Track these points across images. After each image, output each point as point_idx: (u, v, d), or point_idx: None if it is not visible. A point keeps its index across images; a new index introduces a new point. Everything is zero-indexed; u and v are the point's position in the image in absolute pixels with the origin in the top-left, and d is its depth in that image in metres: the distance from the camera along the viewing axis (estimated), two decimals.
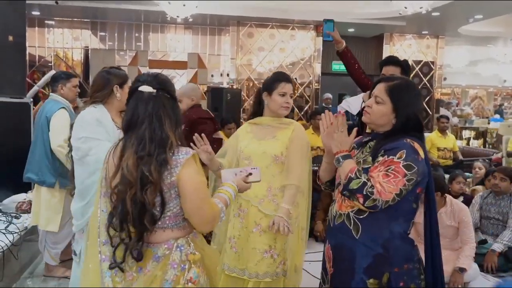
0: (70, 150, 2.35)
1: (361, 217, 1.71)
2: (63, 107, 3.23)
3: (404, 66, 2.91)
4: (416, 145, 1.69)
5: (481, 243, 3.75)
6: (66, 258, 3.43)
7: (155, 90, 1.48)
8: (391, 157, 1.66)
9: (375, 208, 1.62)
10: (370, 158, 1.75)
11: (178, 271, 1.44)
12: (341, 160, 1.74)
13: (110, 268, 1.44)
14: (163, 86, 1.51)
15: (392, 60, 2.96)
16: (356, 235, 1.72)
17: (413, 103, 1.77)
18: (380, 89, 1.77)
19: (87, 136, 2.20)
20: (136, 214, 1.39)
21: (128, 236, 1.42)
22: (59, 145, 3.10)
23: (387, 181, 1.61)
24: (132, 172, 1.39)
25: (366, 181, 1.64)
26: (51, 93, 3.38)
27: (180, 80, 9.02)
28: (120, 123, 2.27)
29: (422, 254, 3.41)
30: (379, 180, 1.62)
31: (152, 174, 1.38)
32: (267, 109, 2.38)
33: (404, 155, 1.64)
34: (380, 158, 1.69)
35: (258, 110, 2.42)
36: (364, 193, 1.61)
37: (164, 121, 1.46)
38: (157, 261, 1.44)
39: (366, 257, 1.71)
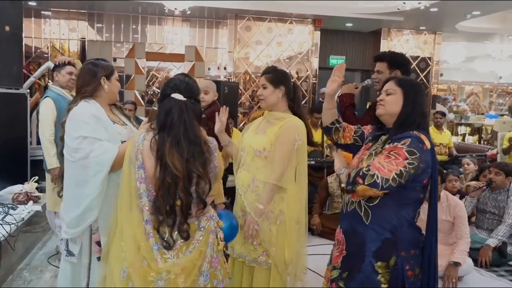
0: (62, 148, 2.14)
1: (372, 204, 1.82)
2: (48, 96, 3.42)
3: (389, 60, 2.78)
4: (422, 136, 1.78)
5: None
6: None
7: (185, 99, 1.74)
8: (395, 143, 1.77)
9: (376, 186, 1.69)
10: (381, 149, 1.84)
11: (214, 235, 1.81)
12: (342, 169, 1.95)
13: (166, 248, 1.70)
14: (192, 94, 1.78)
15: (378, 56, 2.90)
16: (366, 221, 1.84)
17: (420, 96, 1.89)
18: (390, 84, 1.92)
19: (86, 136, 2.02)
20: (187, 202, 1.69)
21: (173, 219, 1.70)
22: (41, 133, 3.36)
23: (388, 161, 1.71)
24: (180, 170, 1.66)
25: (362, 168, 1.77)
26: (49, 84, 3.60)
27: (177, 73, 8.96)
28: (112, 117, 2.23)
29: None
30: (379, 161, 1.73)
31: (200, 171, 1.69)
32: None
33: (408, 142, 1.74)
34: (387, 147, 1.79)
35: None
36: (361, 174, 1.72)
37: (195, 124, 1.74)
38: (201, 230, 1.78)
39: (376, 241, 1.82)
